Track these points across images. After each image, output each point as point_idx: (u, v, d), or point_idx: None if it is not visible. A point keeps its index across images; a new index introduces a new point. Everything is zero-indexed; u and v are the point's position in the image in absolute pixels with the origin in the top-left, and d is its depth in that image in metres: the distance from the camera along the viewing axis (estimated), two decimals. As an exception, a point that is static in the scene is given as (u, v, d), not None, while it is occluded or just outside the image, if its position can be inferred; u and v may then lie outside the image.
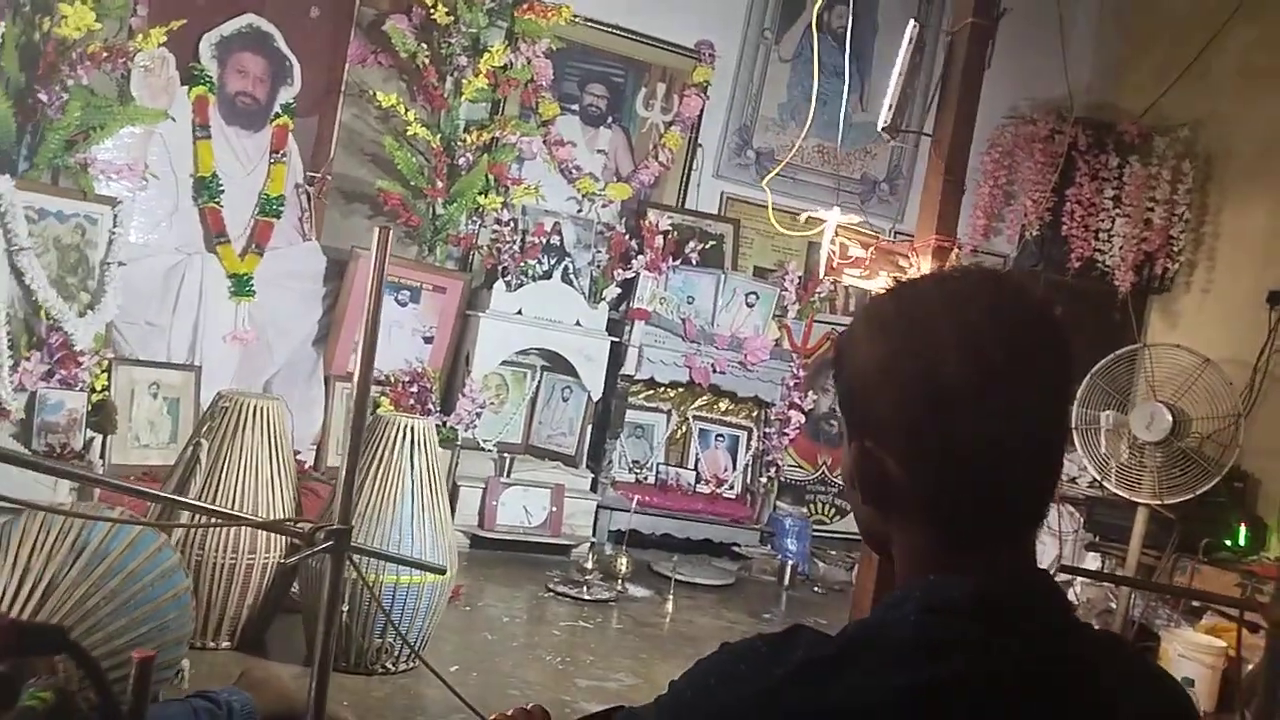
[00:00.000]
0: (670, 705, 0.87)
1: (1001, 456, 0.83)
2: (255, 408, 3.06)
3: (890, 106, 2.56)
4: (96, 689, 1.02)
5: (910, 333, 0.86)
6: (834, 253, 2.39)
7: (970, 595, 0.81)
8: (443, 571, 2.77)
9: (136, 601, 2.16)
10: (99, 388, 3.97)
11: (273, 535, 2.94)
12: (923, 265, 2.41)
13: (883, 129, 2.59)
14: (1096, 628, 0.92)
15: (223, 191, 4.45)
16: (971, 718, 0.77)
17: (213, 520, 2.39)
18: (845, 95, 3.49)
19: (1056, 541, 5.22)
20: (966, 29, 2.47)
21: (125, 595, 2.13)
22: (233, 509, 2.90)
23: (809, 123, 3.57)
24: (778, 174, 4.30)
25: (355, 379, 1.90)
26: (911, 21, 2.63)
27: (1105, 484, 4.67)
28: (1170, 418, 4.40)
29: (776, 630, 0.86)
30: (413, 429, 3.11)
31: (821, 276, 3.28)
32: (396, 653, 3.05)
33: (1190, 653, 4.06)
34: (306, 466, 4.36)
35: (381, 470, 3.04)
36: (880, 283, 2.45)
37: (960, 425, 0.82)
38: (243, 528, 2.86)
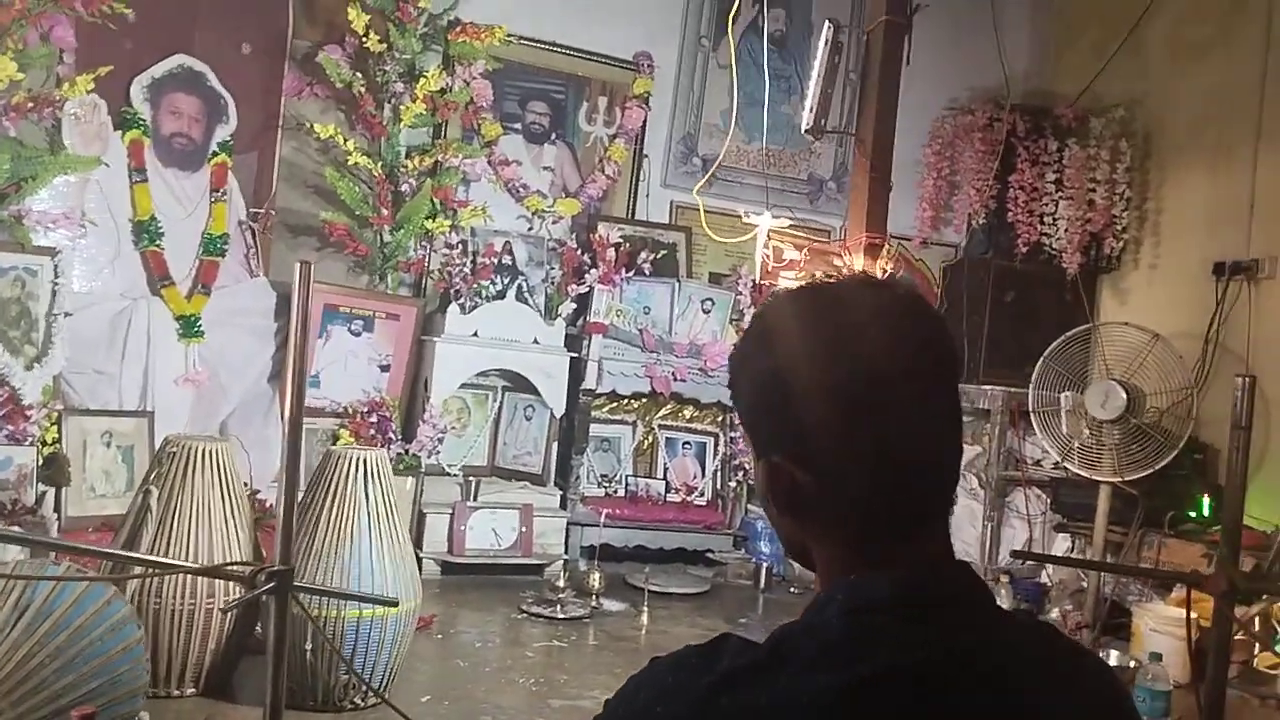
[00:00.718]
0: None
1: (902, 450, 0.85)
2: (204, 451, 3.03)
3: (811, 109, 2.58)
4: None
5: (792, 344, 0.87)
6: (768, 256, 2.40)
7: (891, 593, 0.82)
8: (394, 604, 2.74)
9: (85, 656, 2.12)
10: (49, 440, 3.91)
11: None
12: (855, 263, 2.43)
13: (806, 130, 2.61)
14: (1021, 615, 0.93)
15: (163, 234, 4.41)
16: (898, 715, 0.77)
17: (152, 570, 2.36)
18: (766, 95, 3.50)
19: (1026, 524, 5.27)
20: (881, 26, 2.50)
21: (72, 651, 2.09)
22: (187, 554, 2.87)
23: (731, 127, 3.58)
24: (722, 179, 4.33)
25: (286, 417, 1.89)
26: (826, 23, 2.66)
27: (1068, 465, 4.72)
28: (1124, 395, 4.45)
29: (705, 641, 0.87)
30: (365, 460, 3.08)
31: (757, 280, 3.30)
32: (364, 688, 3.02)
33: (1161, 626, 4.09)
34: (268, 504, 4.31)
35: (336, 504, 3.02)
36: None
37: (856, 425, 0.84)
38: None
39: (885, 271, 2.44)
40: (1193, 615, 3.93)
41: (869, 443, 0.84)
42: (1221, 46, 5.27)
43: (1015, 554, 3.90)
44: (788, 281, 2.35)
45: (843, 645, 0.79)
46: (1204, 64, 5.35)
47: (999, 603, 0.91)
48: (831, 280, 0.95)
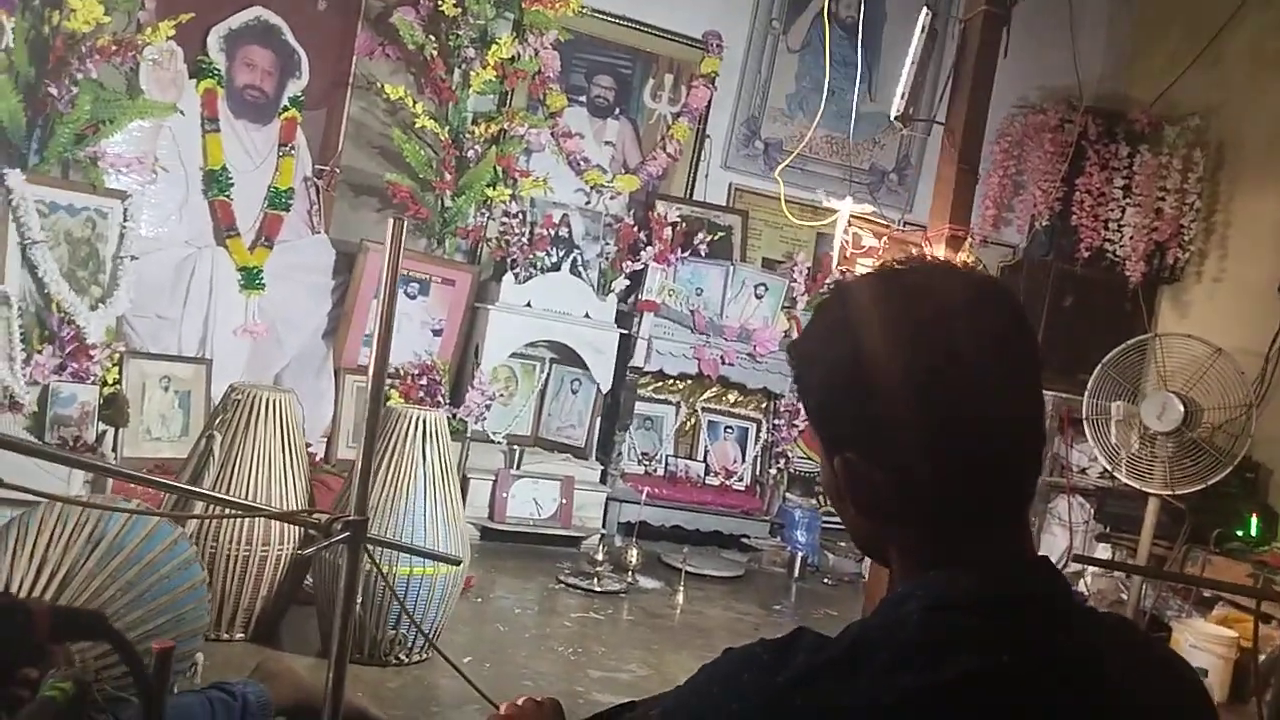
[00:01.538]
0: (675, 713, 0.86)
1: (984, 445, 0.83)
2: (268, 400, 3.07)
3: (903, 95, 2.55)
4: (134, 675, 1.02)
5: (869, 334, 0.84)
6: (847, 243, 2.38)
7: (971, 590, 0.80)
8: (458, 562, 2.78)
9: (154, 592, 2.16)
10: (111, 381, 3.98)
11: (286, 527, 2.95)
12: (937, 254, 2.40)
13: (895, 117, 2.58)
14: (1104, 613, 0.92)
15: (232, 185, 4.45)
16: (981, 716, 0.76)
17: (229, 511, 2.40)
18: (856, 85, 3.47)
19: (1067, 532, 5.22)
20: (980, 16, 2.46)
21: (142, 586, 2.13)
22: (247, 501, 2.92)
23: (819, 114, 3.55)
24: (777, 163, 4.29)
25: (370, 371, 1.90)
26: (924, 9, 2.62)
27: (1116, 474, 4.66)
28: (1182, 408, 4.38)
29: (779, 634, 0.85)
30: (425, 421, 3.11)
31: (835, 266, 3.26)
32: (410, 644, 3.06)
33: (1202, 643, 4.06)
34: (317, 459, 4.36)
35: (394, 462, 3.05)
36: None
37: (937, 420, 0.81)
38: (256, 519, 2.87)
39: (965, 264, 2.41)
40: (1233, 634, 3.88)
41: (950, 438, 0.82)
42: (1304, 61, 5.16)
43: (1077, 558, 3.86)
44: (865, 268, 2.34)
45: (923, 645, 0.77)
46: (1284, 78, 5.24)
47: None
48: (906, 267, 0.91)
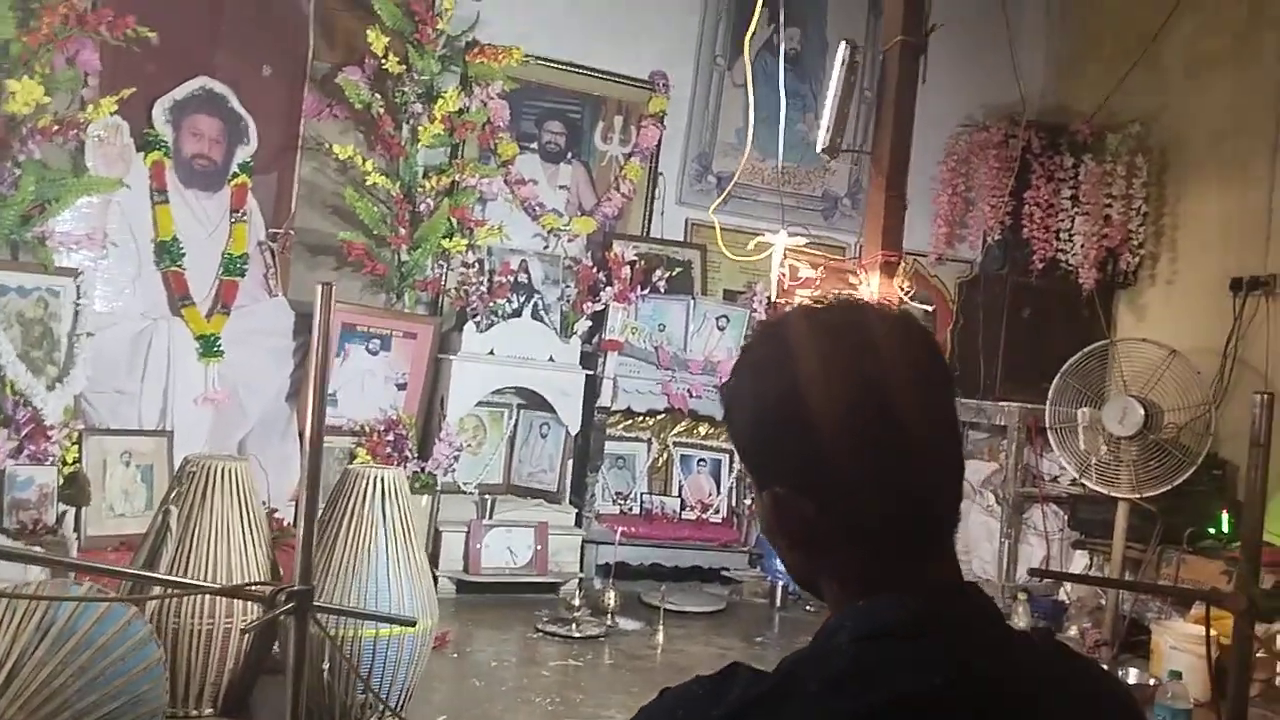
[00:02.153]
0: None
1: (909, 473, 0.85)
2: (223, 470, 3.05)
3: (828, 128, 2.59)
4: None
5: (790, 370, 0.87)
6: (784, 275, 2.41)
7: (901, 617, 0.82)
8: (412, 624, 2.75)
9: (107, 676, 2.14)
10: (70, 460, 3.95)
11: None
12: (872, 281, 2.43)
13: (822, 149, 2.62)
14: (1036, 633, 0.93)
15: (184, 254, 4.45)
16: None
17: (172, 591, 2.38)
18: (782, 115, 3.52)
19: (1043, 541, 5.23)
20: (896, 46, 2.51)
21: (95, 670, 2.11)
22: (206, 573, 2.89)
23: (748, 146, 3.60)
24: (737, 196, 4.34)
25: (307, 437, 1.91)
26: (842, 43, 2.67)
27: (1085, 481, 4.69)
28: (1142, 411, 4.43)
29: (714, 672, 0.86)
30: (382, 480, 3.10)
31: (774, 300, 3.31)
32: (381, 708, 3.02)
33: (1181, 644, 4.06)
34: (286, 523, 4.33)
35: (354, 524, 3.03)
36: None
37: (864, 450, 0.84)
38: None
39: (903, 289, 2.45)
40: (1213, 633, 3.90)
41: (877, 467, 0.84)
42: (1238, 60, 5.26)
43: (1033, 572, 3.88)
44: (803, 299, 2.37)
45: (854, 673, 0.79)
46: (1220, 78, 5.35)
47: (1015, 621, 0.91)
48: (818, 305, 0.95)
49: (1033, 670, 0.85)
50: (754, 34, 4.45)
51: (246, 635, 2.97)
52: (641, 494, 5.47)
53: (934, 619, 0.83)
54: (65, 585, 2.44)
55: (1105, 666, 0.98)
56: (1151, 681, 3.94)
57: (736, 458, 5.46)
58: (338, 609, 2.55)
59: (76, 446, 3.98)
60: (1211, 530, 4.77)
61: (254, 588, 1.72)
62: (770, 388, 0.88)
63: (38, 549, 3.29)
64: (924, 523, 0.88)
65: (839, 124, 2.54)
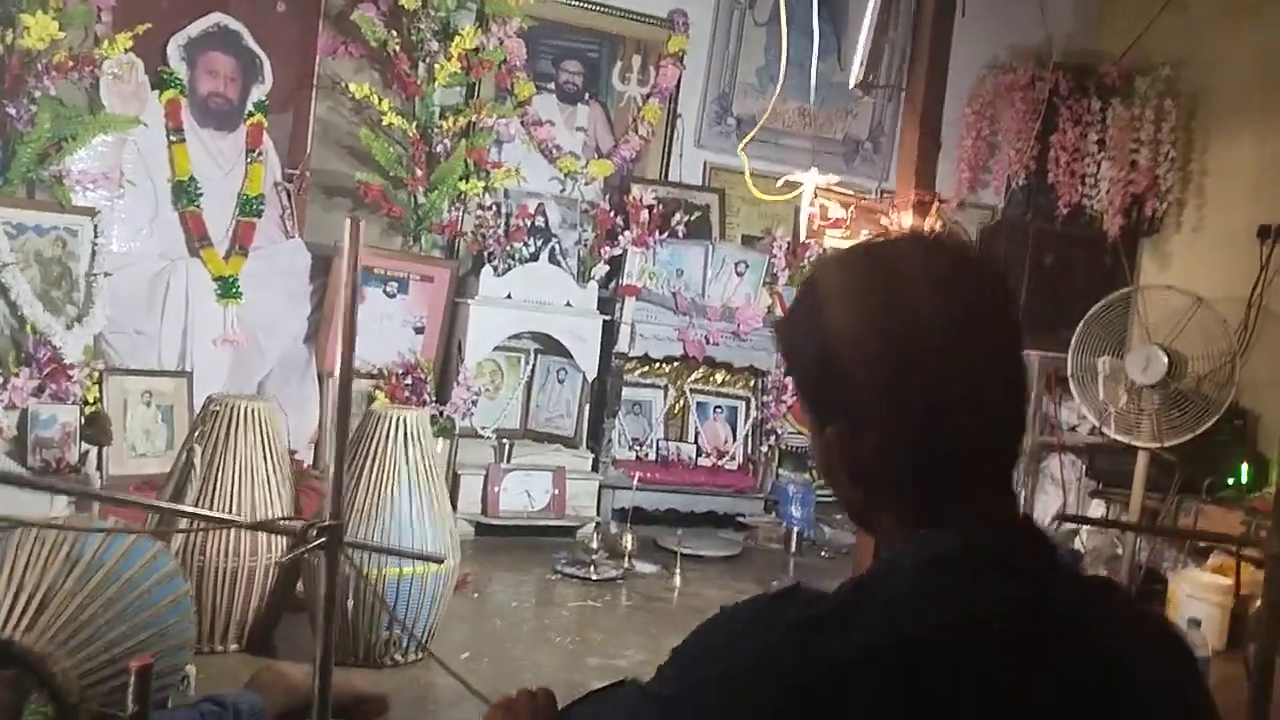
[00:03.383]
0: (673, 672, 0.87)
1: (965, 408, 0.85)
2: (247, 410, 3.05)
3: (861, 63, 2.53)
4: (50, 694, 1.01)
5: (850, 307, 0.86)
6: (814, 215, 2.38)
7: (961, 547, 0.83)
8: (440, 561, 2.77)
9: (135, 609, 2.15)
10: (91, 400, 3.95)
11: (272, 536, 2.94)
12: (903, 221, 2.39)
13: (855, 86, 2.57)
14: (1089, 573, 0.94)
15: (201, 194, 4.41)
16: (970, 664, 0.77)
17: (205, 525, 2.38)
18: (814, 54, 3.45)
19: (1060, 491, 5.23)
20: (934, -22, 2.45)
21: (123, 603, 2.12)
22: (230, 512, 2.90)
23: (779, 85, 3.53)
24: (757, 139, 4.26)
25: (338, 372, 1.89)
26: (878, -26, 2.61)
27: (1105, 430, 4.67)
28: (1165, 359, 4.39)
29: (774, 590, 0.87)
30: (405, 421, 3.10)
31: (804, 239, 3.26)
32: (404, 645, 3.05)
33: (1198, 593, 4.07)
34: (305, 465, 4.35)
35: (376, 465, 3.03)
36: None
37: (918, 385, 0.84)
38: (241, 530, 2.86)
39: (933, 229, 2.41)
40: (1230, 582, 3.90)
41: (932, 402, 0.84)
42: (1271, 5, 5.13)
43: (1060, 517, 3.87)
44: (834, 240, 2.34)
45: (917, 594, 0.79)
46: (1254, 23, 5.21)
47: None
48: (882, 240, 0.96)
49: (1091, 603, 0.86)
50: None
51: (270, 573, 2.99)
52: (658, 440, 5.47)
53: (993, 551, 0.83)
54: (92, 521, 2.45)
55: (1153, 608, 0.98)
56: (1169, 629, 3.95)
57: (780, 396, 5.43)
58: (368, 545, 2.57)
59: (97, 386, 3.98)
60: (1230, 480, 4.76)
61: (285, 522, 1.71)
62: (828, 324, 0.87)
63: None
64: (986, 458, 0.88)
65: (873, 59, 2.48)
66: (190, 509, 2.47)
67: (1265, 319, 5.01)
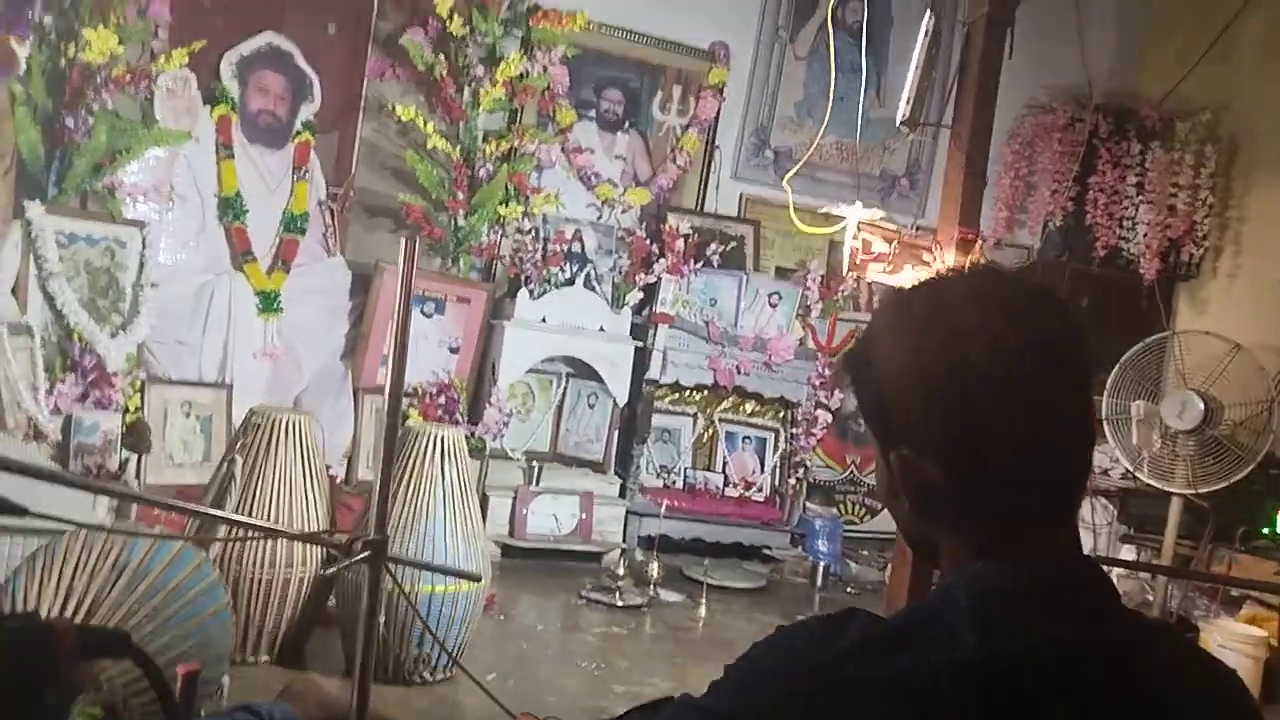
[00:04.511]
0: (727, 685, 0.88)
1: (1038, 449, 0.85)
2: (287, 423, 3.09)
3: (909, 100, 2.55)
4: (159, 694, 1.03)
5: (936, 333, 0.87)
6: (857, 249, 2.40)
7: (1016, 583, 0.83)
8: (478, 579, 2.79)
9: (179, 618, 2.18)
10: (133, 408, 4.02)
11: (308, 548, 2.97)
12: (946, 258, 2.40)
13: (902, 122, 2.59)
14: (1150, 618, 0.93)
15: (247, 210, 4.50)
16: (1021, 694, 0.78)
17: (250, 534, 2.41)
18: (863, 90, 3.49)
19: (1091, 534, 5.18)
20: (983, 19, 2.47)
21: (168, 612, 2.15)
22: (267, 524, 2.93)
23: (825, 120, 3.56)
24: (797, 173, 4.30)
25: (387, 389, 1.92)
26: (928, 13, 2.63)
27: (1138, 475, 4.63)
28: (1202, 405, 4.35)
29: (831, 613, 0.88)
30: (443, 439, 3.12)
31: (845, 273, 3.28)
32: (434, 662, 3.07)
33: (1230, 643, 4.01)
34: (338, 480, 4.39)
35: (413, 481, 3.06)
36: (905, 277, 2.45)
37: (995, 422, 0.84)
38: (279, 541, 2.89)
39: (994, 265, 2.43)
40: (1264, 634, 3.84)
41: (1003, 442, 0.84)
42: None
43: (1098, 560, 3.82)
44: (876, 275, 2.35)
45: (969, 625, 0.80)
46: (1295, 71, 5.21)
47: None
48: (954, 272, 0.96)
49: (1143, 647, 0.86)
50: (830, 5, 4.40)
51: (306, 585, 3.01)
52: (686, 468, 5.47)
53: (1048, 586, 0.84)
54: (136, 529, 2.49)
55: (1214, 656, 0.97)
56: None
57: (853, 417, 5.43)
58: (411, 560, 2.59)
59: (139, 395, 4.05)
60: (1265, 530, 4.70)
61: (332, 535, 1.73)
62: (907, 349, 0.88)
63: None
64: (1048, 493, 0.88)
65: (920, 96, 2.51)
66: (236, 516, 2.50)
67: (1302, 368, 4.95)
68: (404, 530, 3.00)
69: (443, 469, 3.10)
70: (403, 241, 1.95)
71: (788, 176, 3.08)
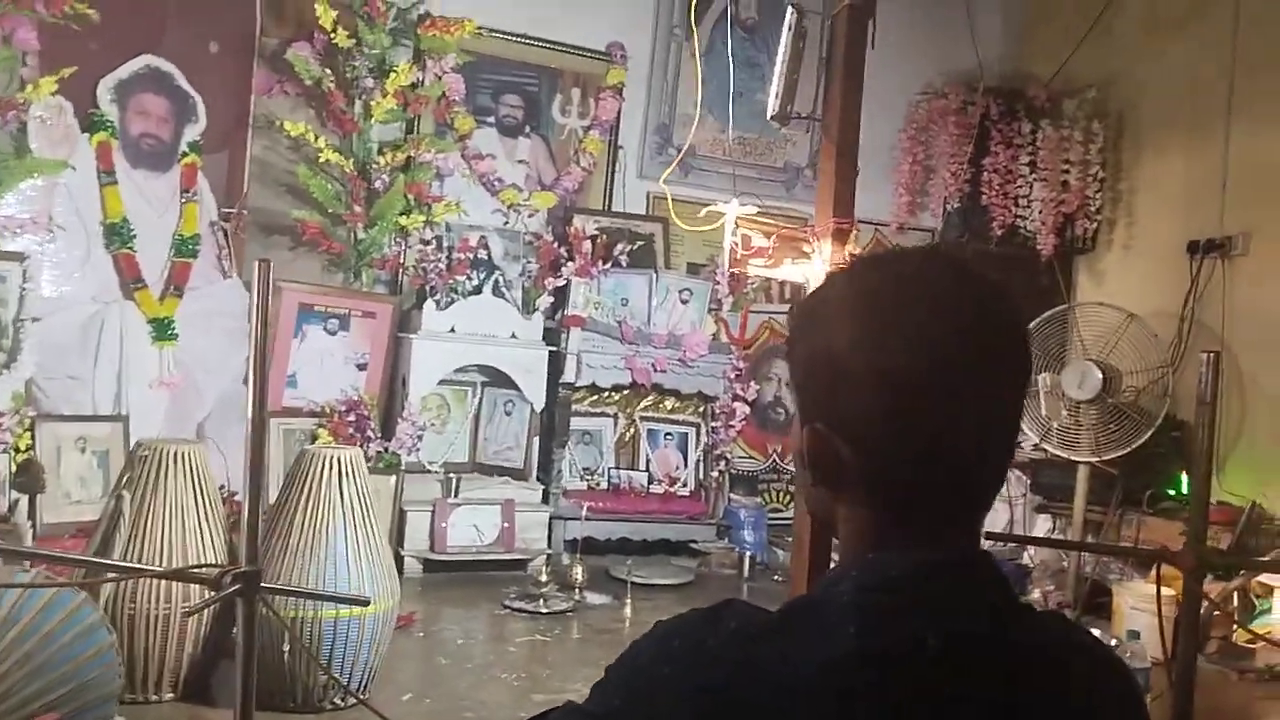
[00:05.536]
0: (608, 685, 0.86)
1: (948, 445, 0.84)
2: (176, 454, 3.01)
3: (777, 94, 2.58)
4: None
5: (866, 320, 0.85)
6: (736, 244, 2.41)
7: (906, 573, 0.82)
8: (365, 603, 2.74)
9: (54, 663, 2.11)
10: (23, 447, 3.88)
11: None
12: (824, 249, 2.43)
13: (772, 116, 2.61)
14: (1040, 608, 0.92)
15: (135, 236, 4.36)
16: (897, 692, 0.77)
17: (119, 575, 2.34)
18: (731, 82, 3.51)
19: (1007, 506, 5.29)
20: (844, 11, 2.50)
21: (41, 658, 2.08)
22: (161, 558, 2.85)
23: (696, 116, 3.59)
24: (700, 169, 4.33)
25: (249, 416, 1.88)
26: (789, 8, 2.65)
27: (1047, 446, 4.74)
28: (1100, 375, 4.47)
29: (709, 605, 0.86)
30: (340, 460, 3.07)
31: (726, 269, 3.29)
32: (343, 689, 3.01)
33: (1141, 604, 4.12)
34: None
35: (312, 504, 3.00)
36: (785, 270, 2.47)
37: (913, 416, 0.82)
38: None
39: (852, 257, 2.45)
40: (1170, 592, 3.97)
41: (915, 432, 0.83)
42: (1192, 25, 5.29)
43: (992, 536, 3.90)
44: (757, 269, 2.37)
45: (850, 619, 0.79)
46: (1175, 43, 5.37)
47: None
48: (903, 253, 0.93)
49: (1033, 644, 0.84)
50: (709, 3, 4.42)
51: (204, 619, 2.94)
52: (609, 469, 5.46)
53: (940, 584, 0.82)
54: (12, 574, 2.40)
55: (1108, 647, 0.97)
56: (1113, 642, 3.99)
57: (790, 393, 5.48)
58: (285, 589, 2.53)
59: (29, 433, 3.91)
60: (1171, 492, 4.85)
61: (199, 570, 1.69)
62: (827, 331, 0.87)
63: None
64: (953, 490, 0.86)
65: (789, 91, 2.53)
66: (108, 561, 2.42)
67: (1198, 331, 5.12)
68: (303, 554, 2.94)
69: (341, 490, 3.04)
70: (256, 265, 1.92)
71: (665, 174, 3.10)
